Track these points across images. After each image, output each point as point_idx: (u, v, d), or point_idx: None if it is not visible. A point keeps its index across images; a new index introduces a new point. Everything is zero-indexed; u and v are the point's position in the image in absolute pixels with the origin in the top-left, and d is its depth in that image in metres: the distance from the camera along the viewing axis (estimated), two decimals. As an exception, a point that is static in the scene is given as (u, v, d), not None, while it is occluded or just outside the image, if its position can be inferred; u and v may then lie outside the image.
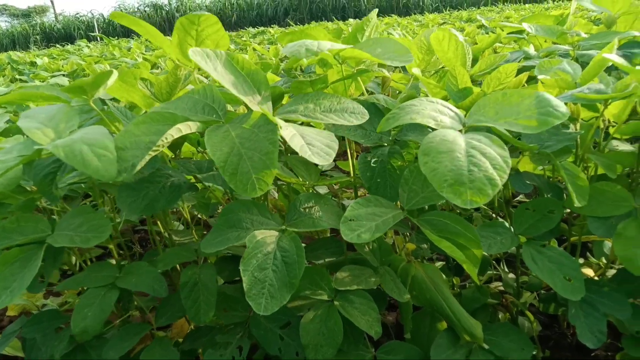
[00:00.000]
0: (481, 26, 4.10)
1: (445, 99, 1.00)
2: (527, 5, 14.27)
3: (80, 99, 0.87)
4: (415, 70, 0.95)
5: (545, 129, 0.75)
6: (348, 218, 0.72)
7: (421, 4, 22.05)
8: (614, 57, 0.91)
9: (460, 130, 0.78)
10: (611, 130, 1.04)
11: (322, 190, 1.19)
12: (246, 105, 0.81)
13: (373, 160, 0.87)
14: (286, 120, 0.78)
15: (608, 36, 1.50)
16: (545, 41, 1.87)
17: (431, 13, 17.19)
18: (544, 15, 1.75)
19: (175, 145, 0.99)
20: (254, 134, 0.73)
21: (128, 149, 0.70)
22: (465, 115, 0.83)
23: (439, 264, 1.22)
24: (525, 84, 1.33)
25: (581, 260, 1.23)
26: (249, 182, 0.69)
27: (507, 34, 2.03)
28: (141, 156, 0.69)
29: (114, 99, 1.04)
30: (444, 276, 0.92)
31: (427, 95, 1.06)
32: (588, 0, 1.59)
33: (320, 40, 0.95)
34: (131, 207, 0.75)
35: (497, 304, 1.06)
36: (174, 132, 0.71)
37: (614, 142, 1.06)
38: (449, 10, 17.70)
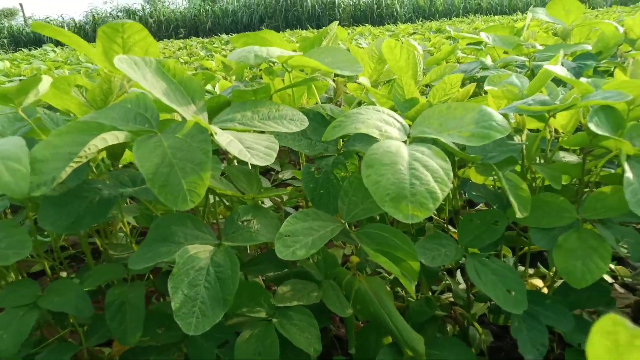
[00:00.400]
0: (449, 37, 4.16)
1: (393, 109, 1.00)
2: (496, 17, 14.60)
3: (8, 107, 0.83)
4: (363, 80, 0.94)
5: (487, 142, 0.74)
6: (283, 234, 0.70)
7: (395, 14, 22.34)
8: (557, 69, 0.92)
9: (404, 141, 0.77)
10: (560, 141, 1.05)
11: (268, 202, 1.16)
12: (181, 115, 0.78)
13: (317, 171, 0.85)
14: (223, 129, 0.75)
15: (562, 48, 1.52)
16: (505, 52, 1.89)
17: (404, 23, 17.43)
18: (501, 26, 1.77)
19: (114, 155, 0.94)
20: (187, 144, 0.70)
21: (48, 161, 0.66)
22: (410, 126, 0.82)
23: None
24: (483, 94, 1.34)
25: (532, 271, 1.24)
26: (180, 195, 0.66)
27: (467, 44, 2.05)
28: (62, 168, 0.65)
29: (50, 107, 0.99)
30: (388, 289, 0.90)
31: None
32: (543, 12, 1.62)
33: (270, 47, 0.93)
34: (55, 224, 0.70)
35: (445, 316, 1.05)
36: (98, 143, 0.67)
37: (561, 153, 1.06)
38: (421, 21, 17.98)
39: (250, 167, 0.94)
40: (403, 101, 0.93)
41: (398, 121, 0.81)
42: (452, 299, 1.11)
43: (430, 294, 1.14)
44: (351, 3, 23.16)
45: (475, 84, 1.00)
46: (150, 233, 0.72)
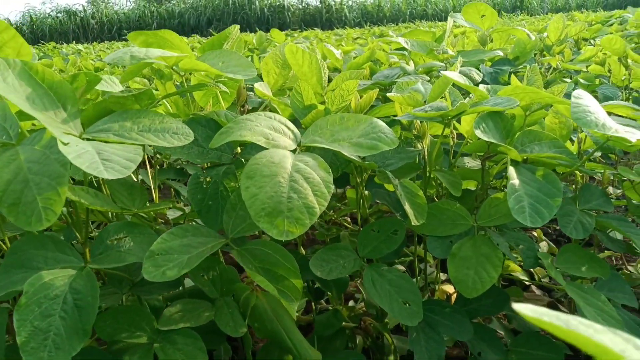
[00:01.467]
0: (390, 42, 4.21)
1: (293, 116, 0.96)
2: (440, 22, 15.03)
3: None
4: (259, 86, 0.90)
5: (374, 153, 0.72)
6: (155, 252, 0.65)
7: (344, 19, 22.57)
8: (454, 76, 0.91)
9: (294, 150, 0.74)
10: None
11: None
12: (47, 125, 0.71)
13: (206, 181, 0.80)
14: (93, 140, 0.69)
15: (478, 53, 1.55)
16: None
17: (352, 28, 17.63)
18: (423, 31, 1.79)
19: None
20: (45, 156, 0.64)
21: None
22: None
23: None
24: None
25: (444, 276, 1.24)
26: (34, 213, 0.59)
27: (394, 49, 2.06)
28: None
29: None
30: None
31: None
32: (461, 17, 1.64)
33: (152, 48, 0.87)
34: None
35: (355, 328, 1.02)
36: None
37: (466, 159, 1.06)
38: (369, 26, 18.25)
39: (134, 179, 0.87)
40: (302, 108, 0.90)
41: (290, 129, 0.77)
42: (365, 309, 1.09)
43: (342, 304, 1.12)
44: (300, 7, 23.21)
45: (377, 90, 0.98)
46: (6, 258, 0.65)
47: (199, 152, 0.83)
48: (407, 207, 0.79)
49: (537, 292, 1.46)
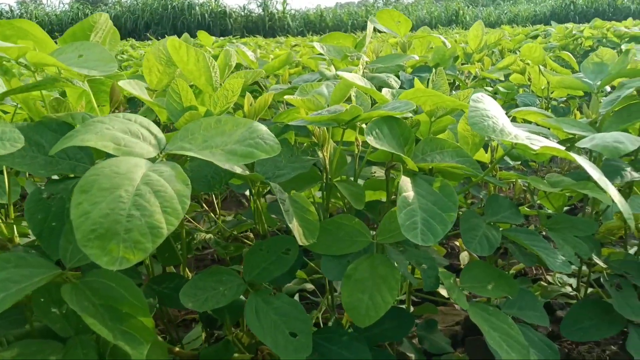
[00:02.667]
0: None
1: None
2: (380, 33, 15.35)
3: None
4: (125, 84, 0.77)
5: (249, 162, 0.62)
6: (-43, 289, 0.51)
7: (286, 27, 22.54)
8: (356, 79, 0.83)
9: (154, 159, 0.62)
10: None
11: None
12: None
13: (49, 197, 0.66)
14: None
15: (394, 59, 1.49)
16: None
17: (295, 36, 17.64)
18: (343, 36, 1.72)
19: None
20: None
21: None
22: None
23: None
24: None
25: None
26: None
27: (317, 54, 1.98)
28: None
29: None
30: (159, 339, 0.74)
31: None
32: (377, 23, 1.59)
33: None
34: None
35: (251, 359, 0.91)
36: None
37: (373, 168, 0.99)
38: (311, 34, 18.35)
39: None
40: (180, 110, 0.78)
41: (153, 133, 0.65)
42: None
43: (243, 330, 1.00)
44: (243, 14, 22.95)
45: (273, 93, 0.88)
46: None
47: (45, 162, 0.69)
48: (294, 224, 0.69)
49: (457, 306, 1.42)
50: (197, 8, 22.60)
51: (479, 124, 0.65)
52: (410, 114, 0.85)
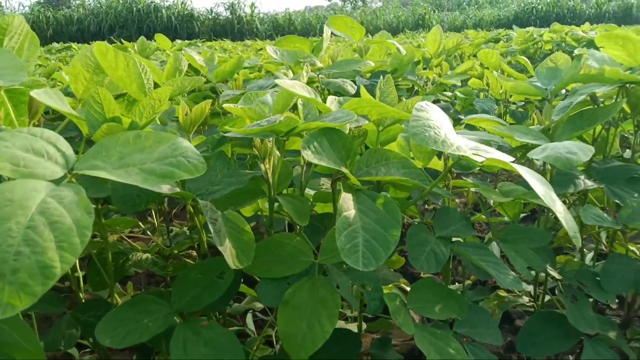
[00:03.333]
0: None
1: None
2: (347, 39, 15.37)
3: None
4: (38, 94, 0.70)
5: (169, 183, 0.56)
6: None
7: (255, 30, 22.37)
8: (296, 88, 0.78)
9: (60, 179, 0.55)
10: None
11: None
12: None
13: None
14: None
15: (350, 64, 1.45)
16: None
17: (264, 40, 17.53)
18: (300, 40, 1.67)
19: None
20: None
21: None
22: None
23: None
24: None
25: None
26: None
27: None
28: None
29: None
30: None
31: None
32: (331, 27, 1.55)
33: None
34: None
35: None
36: None
37: (322, 180, 0.94)
38: (280, 38, 18.25)
39: None
40: (101, 121, 0.71)
41: (60, 150, 0.58)
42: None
43: None
44: (210, 17, 22.67)
45: (211, 101, 0.82)
46: None
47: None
48: (225, 245, 0.63)
49: (416, 316, 1.38)
50: (163, 11, 22.19)
51: (420, 134, 0.61)
52: (354, 124, 0.80)
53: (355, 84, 1.55)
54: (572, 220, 0.63)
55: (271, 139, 0.80)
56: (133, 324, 0.64)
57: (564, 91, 1.36)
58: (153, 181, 0.55)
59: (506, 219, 1.20)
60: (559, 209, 0.61)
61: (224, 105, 0.81)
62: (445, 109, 1.66)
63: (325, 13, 24.44)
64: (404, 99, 1.85)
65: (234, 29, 22.52)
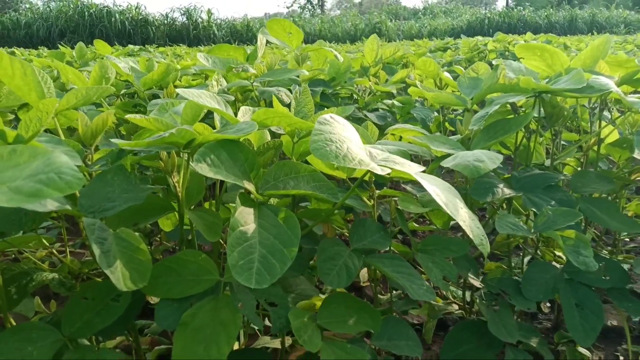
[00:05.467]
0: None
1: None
2: (312, 45, 15.43)
3: None
4: None
5: (35, 202, 0.51)
6: None
7: (212, 36, 22.09)
8: (202, 98, 0.74)
9: None
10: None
11: None
12: None
13: None
14: None
15: (284, 72, 1.43)
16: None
17: (221, 46, 17.28)
18: (233, 48, 1.63)
19: None
20: None
21: None
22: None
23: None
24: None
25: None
26: None
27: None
28: None
29: None
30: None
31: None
32: (269, 35, 1.52)
33: None
34: None
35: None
36: None
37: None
38: (237, 44, 18.12)
39: None
40: (-16, 136, 0.66)
41: None
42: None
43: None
44: (165, 22, 22.21)
45: (113, 111, 0.78)
46: None
47: None
48: (115, 266, 0.59)
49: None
50: (116, 15, 21.57)
51: (321, 149, 0.59)
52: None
53: (292, 92, 1.54)
54: (478, 229, 0.62)
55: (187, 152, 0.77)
56: (15, 353, 0.58)
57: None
58: (20, 200, 0.51)
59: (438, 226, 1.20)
60: (463, 217, 0.61)
61: (128, 116, 0.77)
62: (382, 117, 1.67)
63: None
64: (355, 110, 1.84)
65: (190, 34, 22.15)
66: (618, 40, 6.59)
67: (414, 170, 0.68)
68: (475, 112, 1.20)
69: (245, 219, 0.60)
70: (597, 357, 1.23)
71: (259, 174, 0.68)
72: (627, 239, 1.84)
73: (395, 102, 1.71)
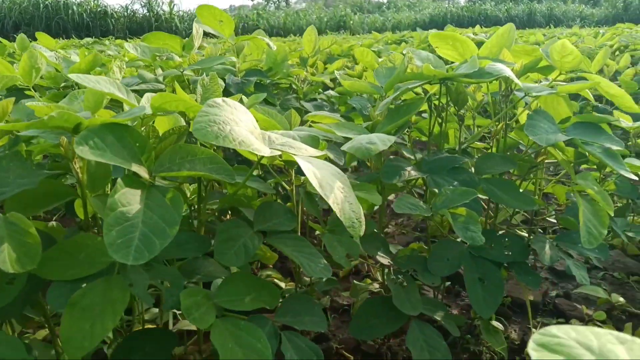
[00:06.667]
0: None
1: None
2: (273, 37, 15.34)
3: None
4: None
5: None
6: None
7: (174, 28, 21.67)
8: (101, 84, 0.75)
9: None
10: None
11: None
12: None
13: None
14: None
15: (213, 61, 1.44)
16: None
17: (185, 38, 17.02)
18: (169, 36, 1.63)
19: None
20: None
21: None
22: None
23: None
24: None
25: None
26: None
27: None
28: None
29: None
30: None
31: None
32: (199, 21, 1.53)
33: None
34: None
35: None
36: None
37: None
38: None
39: None
40: None
41: None
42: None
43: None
44: (126, 14, 21.66)
45: (13, 99, 0.78)
46: None
47: None
48: (2, 249, 0.60)
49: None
50: (74, 8, 20.88)
51: (202, 130, 0.61)
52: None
53: (225, 82, 1.55)
54: (349, 212, 0.66)
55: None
56: None
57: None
58: None
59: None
60: (336, 199, 0.64)
61: (27, 103, 0.77)
62: (319, 107, 1.70)
63: (248, 13, 24.20)
64: (291, 99, 1.85)
65: (151, 27, 21.67)
66: (570, 32, 6.87)
67: (302, 153, 0.72)
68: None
69: (129, 200, 0.62)
70: (512, 330, 1.30)
71: (151, 157, 0.70)
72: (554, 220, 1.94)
73: (332, 92, 1.74)
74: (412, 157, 1.15)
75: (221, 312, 0.72)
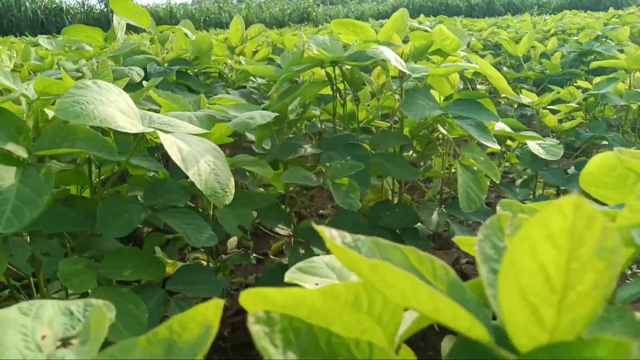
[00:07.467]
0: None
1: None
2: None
3: None
4: None
5: None
6: None
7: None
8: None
9: None
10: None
11: None
12: None
13: None
14: None
15: (127, 48, 1.49)
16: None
17: (140, 33, 16.67)
18: (90, 29, 1.65)
19: None
20: None
21: None
22: None
23: None
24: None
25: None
26: None
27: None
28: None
29: None
30: None
31: None
32: (116, 13, 1.56)
33: None
34: None
35: None
36: None
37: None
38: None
39: None
40: None
41: None
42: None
43: None
44: (83, 10, 21.07)
45: None
46: None
47: None
48: None
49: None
50: (27, 4, 20.16)
51: (64, 109, 0.66)
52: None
53: (147, 70, 1.59)
54: (212, 182, 0.72)
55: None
56: None
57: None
58: None
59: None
60: (193, 172, 0.70)
61: None
62: (246, 95, 1.75)
63: (210, 6, 23.89)
64: (218, 87, 1.89)
65: (109, 22, 21.09)
66: (521, 19, 7.11)
67: (180, 130, 0.77)
68: (295, 82, 1.31)
69: (2, 176, 0.67)
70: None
71: (29, 137, 0.74)
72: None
73: (260, 80, 1.80)
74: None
75: (108, 283, 0.77)
